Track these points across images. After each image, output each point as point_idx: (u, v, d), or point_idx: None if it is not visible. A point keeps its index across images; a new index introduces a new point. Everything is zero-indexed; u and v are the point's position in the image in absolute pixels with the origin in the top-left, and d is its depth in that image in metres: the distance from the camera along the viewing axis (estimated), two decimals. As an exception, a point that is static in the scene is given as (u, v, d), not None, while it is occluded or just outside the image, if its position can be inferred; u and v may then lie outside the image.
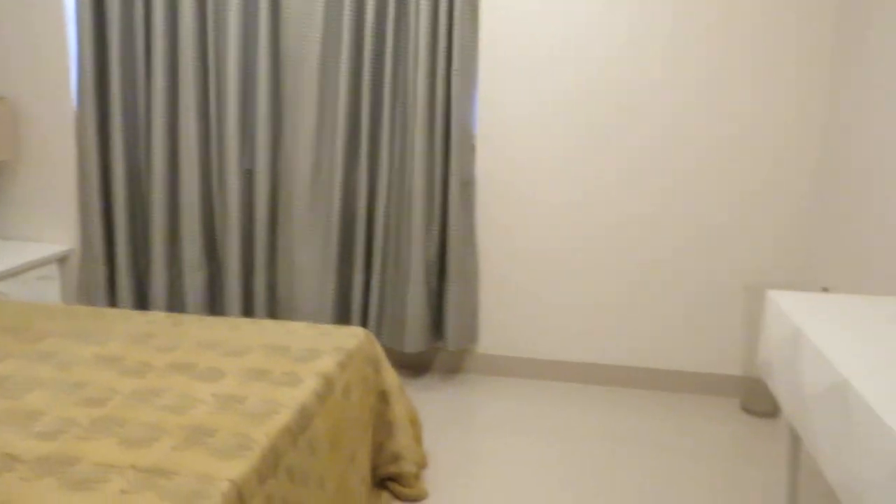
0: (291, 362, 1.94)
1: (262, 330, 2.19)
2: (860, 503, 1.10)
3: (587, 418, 2.74)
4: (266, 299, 3.03)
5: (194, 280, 3.02)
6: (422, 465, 2.33)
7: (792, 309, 1.55)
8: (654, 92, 2.75)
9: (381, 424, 2.20)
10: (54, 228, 3.22)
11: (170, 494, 1.33)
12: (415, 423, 2.35)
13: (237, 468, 1.43)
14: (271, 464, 1.53)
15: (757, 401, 2.78)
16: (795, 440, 1.73)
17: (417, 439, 2.34)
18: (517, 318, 3.04)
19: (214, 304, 3.13)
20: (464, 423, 2.69)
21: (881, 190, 2.09)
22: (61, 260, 3.22)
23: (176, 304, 3.11)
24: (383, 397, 2.21)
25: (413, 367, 3.18)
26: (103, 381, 1.82)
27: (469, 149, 2.83)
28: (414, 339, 2.88)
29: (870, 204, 2.16)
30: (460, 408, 2.82)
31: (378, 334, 2.99)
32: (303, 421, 1.70)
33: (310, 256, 2.93)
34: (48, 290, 3.13)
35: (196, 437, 1.55)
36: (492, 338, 3.08)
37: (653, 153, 2.80)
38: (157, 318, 2.28)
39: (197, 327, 2.20)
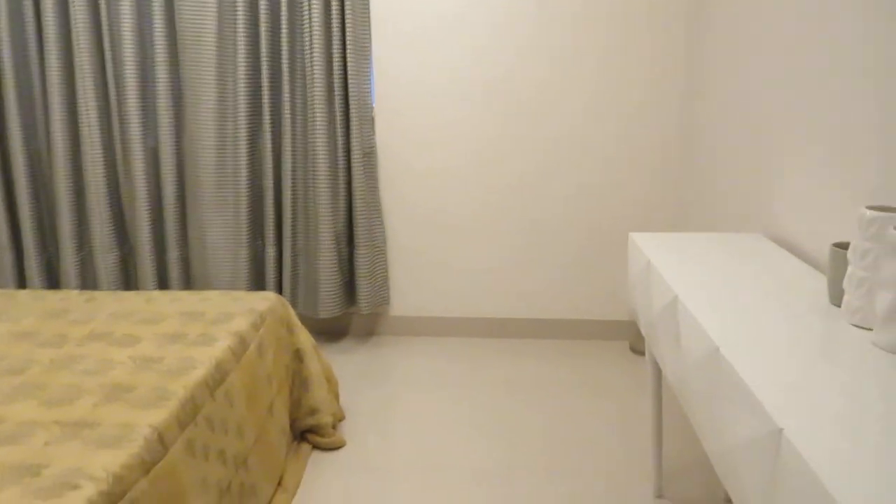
0: (206, 325, 2.06)
1: (176, 300, 2.29)
2: (686, 389, 1.34)
3: (492, 369, 2.97)
4: (180, 276, 3.10)
5: (106, 261, 3.05)
6: (339, 417, 2.50)
7: (645, 245, 1.79)
8: (533, 61, 2.96)
9: (298, 381, 2.35)
10: (-46, 217, 3.17)
11: (94, 442, 1.45)
12: (331, 380, 2.51)
13: (157, 416, 1.56)
14: (190, 412, 1.66)
15: (643, 342, 3.08)
16: (655, 364, 1.99)
17: (334, 394, 2.51)
18: (424, 280, 3.23)
19: (129, 284, 3.17)
20: (379, 381, 2.87)
21: (731, 142, 2.37)
22: (-36, 249, 3.18)
23: (89, 285, 3.14)
24: (298, 356, 2.36)
25: (330, 332, 3.33)
26: (19, 353, 1.89)
27: (368, 120, 2.98)
28: (328, 305, 3.02)
29: (723, 155, 2.45)
30: (375, 367, 2.99)
31: (294, 303, 3.11)
32: (219, 375, 1.83)
33: (221, 231, 3.02)
34: (-48, 279, 3.09)
35: (116, 393, 1.66)
36: (402, 300, 3.26)
37: (535, 117, 3.02)
38: (70, 296, 2.34)
39: (111, 301, 2.28)
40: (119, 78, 2.96)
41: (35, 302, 2.28)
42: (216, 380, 1.81)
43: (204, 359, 1.84)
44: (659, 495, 2.09)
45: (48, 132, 3.02)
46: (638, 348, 3.08)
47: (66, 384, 1.70)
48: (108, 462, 1.38)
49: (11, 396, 1.65)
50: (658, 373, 1.98)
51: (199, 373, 1.77)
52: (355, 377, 2.89)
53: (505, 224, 3.14)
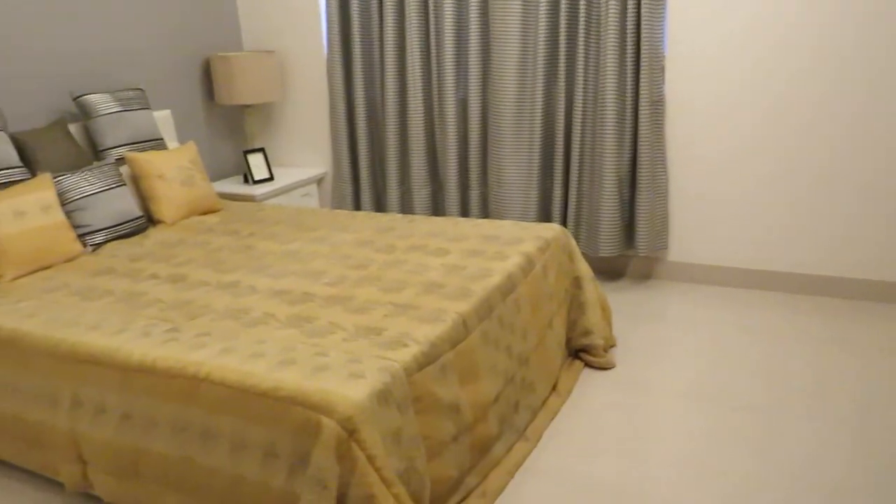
0: (500, 245, 2.42)
1: (476, 225, 2.69)
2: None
3: (765, 320, 2.93)
4: (479, 210, 3.55)
5: (421, 194, 3.62)
6: (610, 342, 2.72)
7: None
8: (839, 15, 2.76)
9: (575, 305, 2.61)
10: (313, 155, 4.00)
11: (416, 318, 1.87)
12: (605, 308, 2.73)
13: (463, 306, 1.94)
14: (486, 309, 2.02)
15: (958, 308, 2.77)
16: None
17: (607, 321, 2.73)
18: (705, 228, 3.25)
19: (437, 214, 3.72)
20: (651, 319, 3.01)
21: None
22: (319, 181, 4.00)
23: (407, 213, 3.74)
24: (577, 282, 2.62)
25: (609, 271, 3.53)
26: (362, 255, 2.43)
27: (658, 69, 3.07)
28: (607, 245, 3.23)
29: None
30: (649, 306, 3.13)
31: (576, 240, 3.37)
32: (510, 284, 2.17)
33: (516, 172, 3.38)
34: (309, 204, 3.92)
35: (431, 288, 2.08)
36: (681, 247, 3.33)
37: (835, 66, 2.82)
38: (395, 218, 2.88)
39: (425, 223, 2.76)
40: (439, 43, 3.43)
41: (370, 220, 2.85)
42: (508, 287, 2.15)
43: (498, 270, 2.19)
44: (947, 459, 1.97)
45: (383, 87, 3.63)
46: (949, 315, 2.78)
47: (396, 279, 2.17)
48: (427, 332, 1.79)
49: (358, 283, 2.16)
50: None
51: (494, 280, 2.12)
52: (628, 314, 3.07)
53: (792, 176, 3.02)
